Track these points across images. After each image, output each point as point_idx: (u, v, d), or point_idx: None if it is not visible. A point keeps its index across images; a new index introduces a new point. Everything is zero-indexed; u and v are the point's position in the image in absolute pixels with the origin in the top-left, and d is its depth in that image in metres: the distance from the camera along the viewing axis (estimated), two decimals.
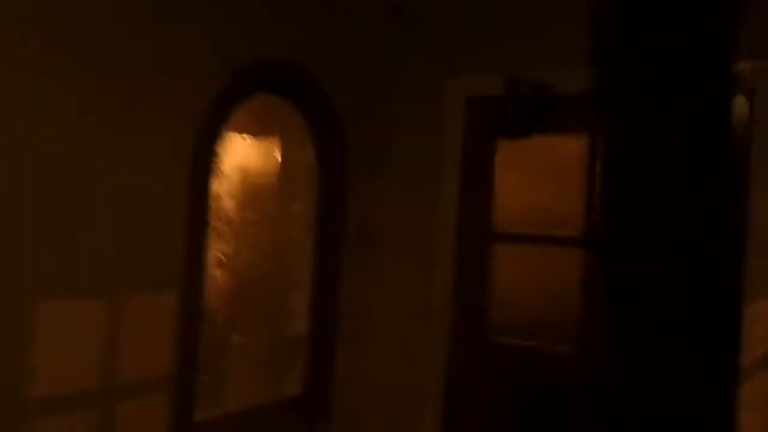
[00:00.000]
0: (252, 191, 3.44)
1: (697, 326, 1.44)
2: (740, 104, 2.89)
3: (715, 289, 1.52)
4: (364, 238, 3.47)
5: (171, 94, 2.59)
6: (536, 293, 3.28)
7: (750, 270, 2.85)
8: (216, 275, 3.31)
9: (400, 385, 3.45)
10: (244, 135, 3.56)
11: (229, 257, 3.33)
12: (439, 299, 3.41)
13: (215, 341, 3.13)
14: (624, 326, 1.43)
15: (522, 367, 3.31)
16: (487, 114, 3.34)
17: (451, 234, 3.41)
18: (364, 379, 3.45)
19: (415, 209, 3.50)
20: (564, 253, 3.24)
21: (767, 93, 2.82)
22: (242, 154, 3.62)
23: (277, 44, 3.01)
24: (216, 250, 3.29)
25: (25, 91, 2.19)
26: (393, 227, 3.52)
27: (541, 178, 3.29)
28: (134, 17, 2.46)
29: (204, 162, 2.71)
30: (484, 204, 3.40)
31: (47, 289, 2.27)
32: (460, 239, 3.40)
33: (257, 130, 3.54)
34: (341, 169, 3.31)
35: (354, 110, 3.38)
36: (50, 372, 2.23)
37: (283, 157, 3.46)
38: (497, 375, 3.34)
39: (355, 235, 3.40)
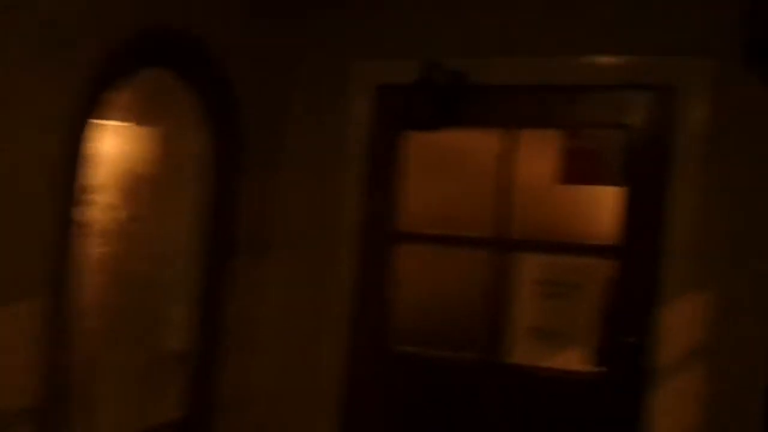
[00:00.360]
0: (136, 185, 3.02)
1: None
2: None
3: None
4: (257, 239, 3.12)
5: (35, 80, 2.20)
6: (444, 298, 3.06)
7: (664, 272, 2.75)
8: (90, 280, 2.86)
9: (294, 398, 3.13)
10: (127, 121, 3.13)
11: (106, 260, 2.89)
12: (338, 305, 3.12)
13: (87, 359, 2.70)
14: None
15: (426, 377, 3.07)
16: (397, 104, 3.04)
17: (354, 234, 3.11)
18: (255, 395, 3.10)
19: (315, 208, 3.18)
20: (474, 255, 3.03)
21: (689, 91, 2.72)
22: (125, 143, 3.17)
23: (165, 12, 2.62)
24: (92, 251, 2.85)
25: None
26: (290, 227, 3.19)
27: (452, 175, 3.06)
28: None
29: (74, 153, 2.31)
30: (389, 202, 3.11)
31: None
32: (363, 240, 3.11)
33: (143, 115, 3.11)
34: (236, 160, 2.95)
35: (251, 95, 3.02)
36: None
37: (171, 146, 3.06)
38: (399, 385, 3.08)
39: (247, 236, 3.05)
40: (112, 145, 3.17)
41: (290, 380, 3.13)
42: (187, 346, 2.77)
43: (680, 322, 2.70)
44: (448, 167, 3.08)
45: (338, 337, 3.10)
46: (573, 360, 2.82)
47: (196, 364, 2.80)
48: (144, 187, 3.14)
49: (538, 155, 3.00)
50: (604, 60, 2.81)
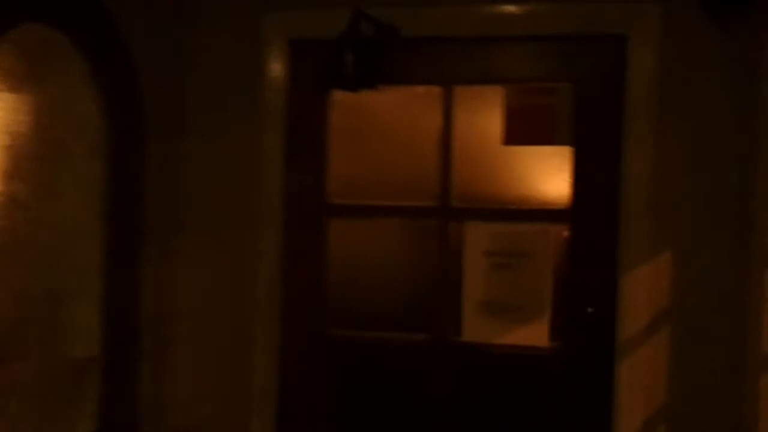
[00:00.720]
0: (15, 162, 2.56)
1: None
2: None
3: None
4: (168, 220, 2.75)
5: None
6: (384, 275, 2.80)
7: (622, 235, 2.56)
8: None
9: (223, 398, 2.80)
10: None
11: None
12: (266, 290, 2.79)
13: None
14: None
15: (370, 363, 2.81)
16: (319, 60, 2.70)
17: (278, 210, 2.77)
18: (179, 399, 2.76)
19: (233, 181, 2.81)
20: (415, 227, 2.77)
21: (640, 40, 2.52)
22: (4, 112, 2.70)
23: None
24: None
25: None
26: (205, 204, 2.81)
27: (386, 138, 2.78)
28: None
29: None
30: (317, 172, 2.79)
31: None
32: (290, 216, 2.77)
33: (19, 80, 2.65)
34: (135, 130, 2.55)
35: (149, 56, 2.61)
36: None
37: (55, 116, 2.61)
38: (340, 374, 2.80)
39: (156, 216, 2.68)
40: None
41: (218, 379, 2.80)
42: (95, 352, 2.40)
43: (642, 288, 2.52)
44: (382, 130, 2.79)
45: (268, 327, 2.76)
46: (529, 335, 2.61)
47: (108, 371, 2.44)
48: (25, 165, 2.69)
49: (479, 114, 2.75)
50: (548, 8, 2.55)
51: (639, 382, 2.52)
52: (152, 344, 2.70)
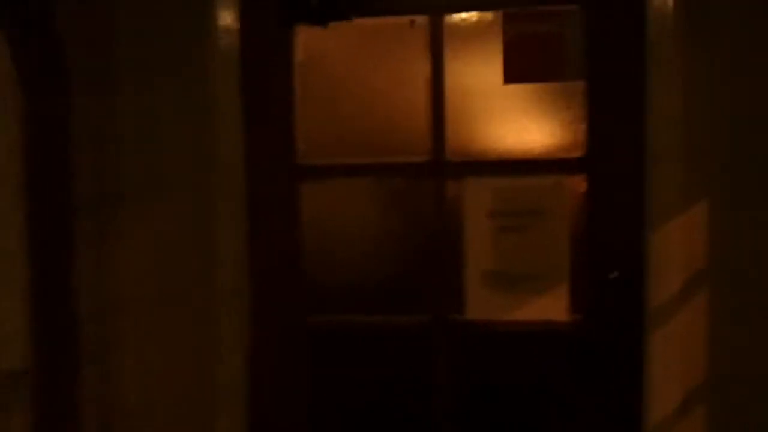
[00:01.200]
0: None
1: None
2: None
3: None
4: (105, 192, 2.28)
5: None
6: (370, 246, 2.37)
7: (648, 186, 2.16)
8: None
9: (184, 404, 2.37)
10: None
11: None
12: (227, 269, 2.34)
13: None
14: None
15: (357, 352, 2.38)
16: None
17: (238, 174, 2.31)
18: (131, 408, 2.33)
19: (180, 141, 2.33)
20: (405, 187, 2.35)
21: None
22: None
23: None
24: None
25: None
26: (150, 170, 2.34)
27: (367, 82, 2.33)
28: None
29: None
30: (283, 127, 2.32)
31: None
32: (253, 181, 2.32)
33: None
34: (54, 79, 2.07)
35: None
36: None
37: None
38: (322, 367, 2.38)
39: (90, 189, 2.22)
40: None
41: (178, 379, 2.36)
42: (26, 362, 1.95)
43: (674, 246, 2.15)
44: (359, 73, 2.34)
45: (234, 314, 2.32)
46: (544, 308, 2.21)
47: (40, 381, 1.99)
48: None
49: (473, 48, 2.32)
50: None
51: (673, 356, 2.15)
52: (95, 344, 2.25)
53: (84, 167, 2.18)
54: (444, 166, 2.29)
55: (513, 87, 2.28)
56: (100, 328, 2.24)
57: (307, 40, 2.31)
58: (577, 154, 2.23)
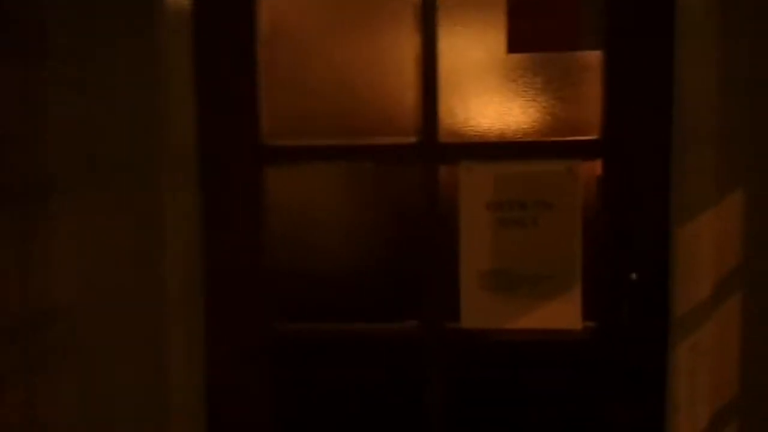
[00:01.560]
0: None
1: None
2: None
3: None
4: (33, 180, 1.93)
5: None
6: (348, 242, 2.07)
7: (675, 173, 1.91)
8: None
9: (131, 421, 2.06)
10: None
11: None
12: (177, 269, 2.00)
13: None
14: None
15: (334, 367, 2.09)
16: None
17: (191, 156, 1.98)
18: (69, 424, 2.00)
19: (123, 118, 1.98)
20: (390, 173, 2.04)
21: None
22: None
23: None
24: None
25: None
26: (86, 153, 1.99)
27: (344, 49, 2.01)
28: None
29: None
30: (245, 102, 1.98)
31: None
32: (208, 164, 1.99)
33: None
34: None
35: None
36: None
37: None
38: (292, 383, 2.07)
39: (13, 176, 1.87)
40: None
41: (122, 398, 2.03)
42: None
43: (704, 242, 1.88)
44: (336, 38, 2.02)
45: (187, 322, 1.99)
46: (554, 316, 1.92)
47: None
48: None
49: (472, 11, 2.03)
50: None
51: (702, 368, 1.90)
52: (22, 358, 1.91)
53: (4, 150, 1.83)
54: (435, 149, 1.97)
55: (518, 57, 2.00)
56: (30, 340, 1.90)
57: (273, 3, 1.98)
58: (593, 135, 1.95)
